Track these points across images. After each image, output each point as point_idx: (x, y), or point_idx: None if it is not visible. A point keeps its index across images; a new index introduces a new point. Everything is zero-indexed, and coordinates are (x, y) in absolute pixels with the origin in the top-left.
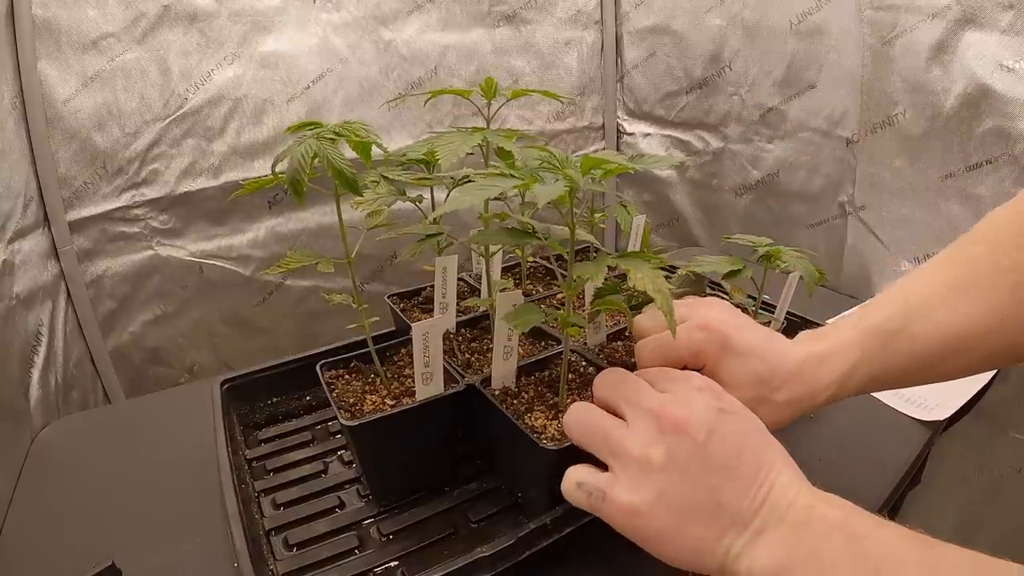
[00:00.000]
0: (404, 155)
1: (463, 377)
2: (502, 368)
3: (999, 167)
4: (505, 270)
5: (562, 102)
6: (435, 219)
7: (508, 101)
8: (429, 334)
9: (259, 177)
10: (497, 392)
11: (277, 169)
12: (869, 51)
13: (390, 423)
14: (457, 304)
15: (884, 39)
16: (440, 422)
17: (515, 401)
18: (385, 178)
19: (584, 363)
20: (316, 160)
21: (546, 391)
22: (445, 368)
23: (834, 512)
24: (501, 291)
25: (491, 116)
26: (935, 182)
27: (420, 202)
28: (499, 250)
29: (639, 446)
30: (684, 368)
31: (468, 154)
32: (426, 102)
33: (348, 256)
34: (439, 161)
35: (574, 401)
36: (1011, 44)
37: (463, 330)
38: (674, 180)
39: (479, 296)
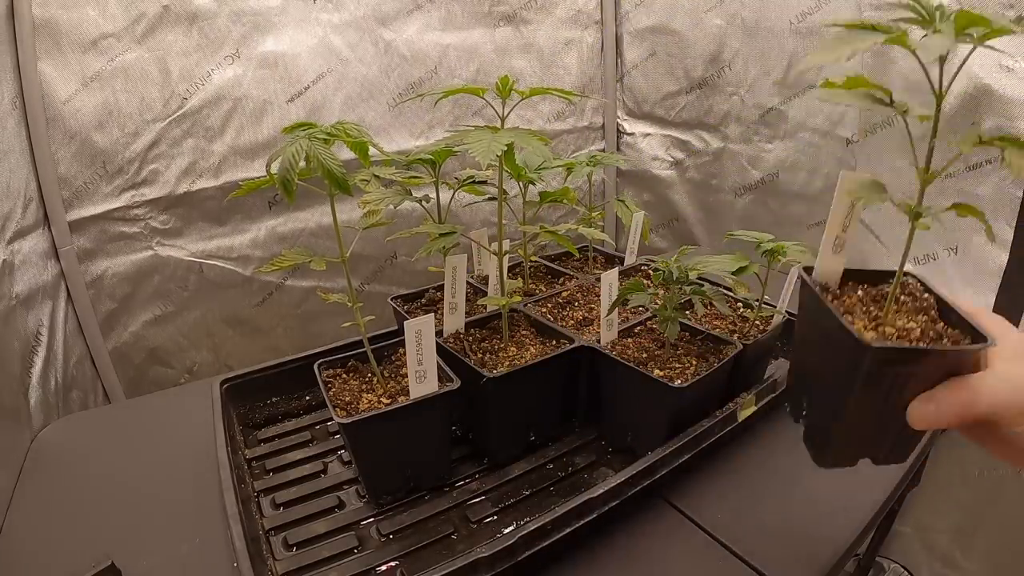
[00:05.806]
0: (409, 156)
1: (481, 375)
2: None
3: (999, 167)
4: (507, 270)
5: (572, 101)
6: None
7: (518, 100)
8: (422, 331)
9: (256, 178)
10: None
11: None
12: (869, 51)
13: (384, 421)
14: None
15: None
16: (435, 420)
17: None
18: (376, 177)
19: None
20: (308, 161)
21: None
22: (461, 366)
23: None
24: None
25: (505, 115)
26: (935, 182)
27: (428, 202)
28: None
29: None
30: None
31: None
32: (436, 101)
33: (343, 255)
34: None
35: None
36: (1011, 44)
37: (472, 330)
38: (674, 180)
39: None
